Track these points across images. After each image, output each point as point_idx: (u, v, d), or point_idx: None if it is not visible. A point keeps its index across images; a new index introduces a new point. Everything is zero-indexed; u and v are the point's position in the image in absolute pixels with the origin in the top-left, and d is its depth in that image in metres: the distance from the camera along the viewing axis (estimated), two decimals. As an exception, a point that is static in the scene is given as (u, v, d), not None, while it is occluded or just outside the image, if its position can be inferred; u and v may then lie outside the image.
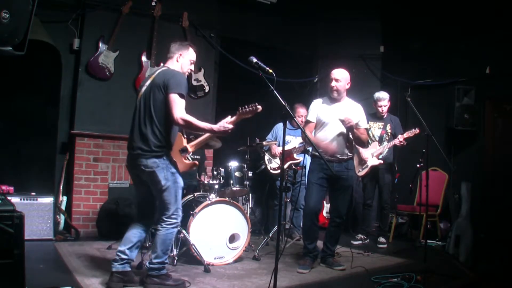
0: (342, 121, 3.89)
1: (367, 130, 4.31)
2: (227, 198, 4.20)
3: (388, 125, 5.31)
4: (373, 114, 5.37)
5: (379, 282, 3.55)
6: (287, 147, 5.28)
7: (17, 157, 4.86)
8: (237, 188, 4.39)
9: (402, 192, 5.88)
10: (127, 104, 4.88)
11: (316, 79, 7.03)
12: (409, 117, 6.11)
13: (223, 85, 6.27)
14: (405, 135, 5.01)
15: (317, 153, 3.72)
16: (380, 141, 5.26)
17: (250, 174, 4.61)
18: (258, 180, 5.62)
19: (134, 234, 3.16)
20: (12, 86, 4.75)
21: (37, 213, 4.45)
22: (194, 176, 4.97)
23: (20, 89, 4.82)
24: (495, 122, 5.96)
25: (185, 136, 3.51)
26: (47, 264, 3.65)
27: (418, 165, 4.40)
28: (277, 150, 5.36)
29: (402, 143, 5.02)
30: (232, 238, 4.11)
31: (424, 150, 4.12)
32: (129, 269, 3.14)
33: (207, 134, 3.43)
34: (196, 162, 3.61)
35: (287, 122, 4.11)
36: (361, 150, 5.12)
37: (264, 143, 5.16)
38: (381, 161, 5.19)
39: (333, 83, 4.00)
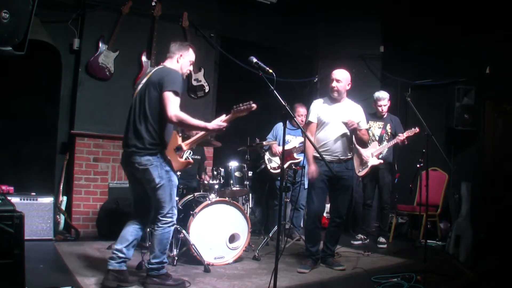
0: (346, 124, 3.90)
1: (367, 130, 4.32)
2: (227, 198, 4.20)
3: (388, 124, 5.31)
4: (373, 114, 5.38)
5: (379, 282, 3.55)
6: (287, 147, 5.29)
7: (17, 157, 4.86)
8: (237, 188, 4.39)
9: (402, 192, 5.88)
10: (127, 104, 4.81)
11: (316, 79, 7.03)
12: (409, 117, 6.10)
13: (223, 85, 6.27)
14: (406, 134, 5.02)
15: (317, 154, 3.72)
16: (380, 140, 5.26)
17: (250, 174, 4.60)
18: (258, 179, 5.62)
19: (131, 232, 3.16)
20: (12, 86, 4.75)
21: (37, 213, 4.45)
22: (194, 176, 4.97)
23: (20, 89, 4.82)
24: (495, 122, 5.96)
25: (180, 134, 3.51)
26: (47, 264, 3.65)
27: (418, 165, 4.40)
28: (278, 149, 5.37)
29: (403, 141, 5.02)
30: (232, 238, 4.11)
31: (424, 150, 4.12)
32: (125, 268, 3.14)
33: (202, 133, 3.42)
34: (191, 160, 3.60)
35: (287, 122, 4.12)
36: (361, 150, 5.12)
37: (264, 143, 5.16)
38: (381, 161, 5.20)
39: (334, 84, 4.00)
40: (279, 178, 5.44)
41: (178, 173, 3.93)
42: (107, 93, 5.20)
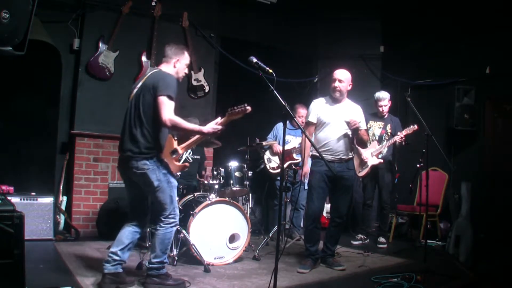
0: (348, 123, 3.90)
1: (366, 130, 4.32)
2: (227, 198, 4.20)
3: (389, 125, 5.31)
4: (374, 114, 5.38)
5: (379, 282, 3.54)
6: (287, 147, 5.29)
7: (17, 157, 4.86)
8: (237, 188, 4.39)
9: (402, 192, 5.88)
10: (127, 104, 4.86)
11: (316, 79, 7.03)
12: (409, 117, 6.10)
13: (223, 85, 6.27)
14: (404, 132, 5.01)
15: (317, 154, 3.72)
16: (380, 140, 5.26)
17: (250, 174, 4.60)
18: (258, 179, 5.62)
19: (127, 235, 3.15)
20: (12, 86, 4.75)
21: (37, 213, 4.45)
22: (194, 176, 4.97)
23: (20, 89, 4.82)
24: (495, 122, 5.96)
25: (175, 138, 3.52)
26: (47, 264, 3.65)
27: (418, 165, 4.40)
28: (279, 148, 5.36)
29: (402, 139, 5.01)
30: (232, 238, 4.11)
31: (424, 150, 4.12)
32: (121, 270, 3.13)
33: (197, 136, 3.42)
34: (187, 164, 3.61)
35: (287, 122, 4.12)
36: (361, 150, 5.12)
37: (264, 143, 5.16)
38: (381, 160, 5.19)
39: (336, 84, 4.00)
40: (278, 178, 5.44)
41: (178, 173, 3.95)
42: (107, 93, 5.20)
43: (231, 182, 4.36)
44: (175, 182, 3.16)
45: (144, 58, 5.38)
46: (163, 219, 3.11)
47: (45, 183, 4.88)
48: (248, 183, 4.51)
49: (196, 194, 4.31)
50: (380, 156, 5.22)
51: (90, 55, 5.10)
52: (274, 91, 2.67)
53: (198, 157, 4.94)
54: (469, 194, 5.01)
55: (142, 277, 3.23)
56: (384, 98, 5.28)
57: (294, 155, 5.33)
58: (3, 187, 4.29)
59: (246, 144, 5.09)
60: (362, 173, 5.25)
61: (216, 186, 4.20)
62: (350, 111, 4.03)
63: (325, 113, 4.03)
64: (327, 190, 4.05)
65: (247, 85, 5.26)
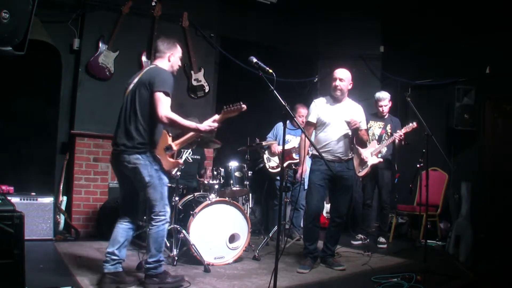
0: (348, 123, 3.90)
1: (367, 130, 4.32)
2: (227, 198, 4.20)
3: (389, 125, 5.31)
4: (374, 114, 5.38)
5: (379, 282, 3.54)
6: (286, 147, 5.28)
7: (17, 157, 4.86)
8: (237, 188, 4.39)
9: (402, 192, 5.88)
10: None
11: (316, 79, 7.03)
12: (409, 117, 6.08)
13: (223, 85, 6.27)
14: (403, 130, 5.01)
15: (317, 154, 3.72)
16: (379, 140, 5.26)
17: (250, 174, 4.60)
18: (257, 179, 5.62)
19: (121, 233, 3.16)
20: (12, 86, 4.75)
21: (37, 213, 4.45)
22: (194, 176, 4.97)
23: (20, 89, 4.82)
24: (495, 122, 5.96)
25: (170, 134, 3.52)
26: (47, 264, 3.65)
27: (418, 165, 4.40)
28: (277, 148, 5.36)
29: (401, 137, 5.01)
30: (232, 238, 4.11)
31: (424, 150, 4.12)
32: (121, 269, 3.14)
33: (192, 133, 3.43)
34: (180, 161, 3.60)
35: (288, 121, 4.12)
36: (361, 150, 5.12)
37: (264, 143, 5.16)
38: (381, 160, 5.20)
39: (337, 83, 4.00)
40: (278, 178, 5.44)
41: (178, 173, 3.95)
42: (107, 93, 5.20)
43: (231, 182, 4.36)
44: (166, 179, 3.16)
45: (144, 58, 5.38)
46: (153, 217, 3.10)
47: (45, 183, 4.88)
48: (248, 183, 4.51)
49: (196, 194, 4.32)
50: (379, 155, 5.22)
51: (90, 55, 5.10)
52: (274, 91, 2.67)
53: (198, 157, 4.94)
54: (469, 194, 5.01)
55: (142, 277, 3.23)
56: (384, 98, 5.28)
57: (294, 155, 5.33)
58: (3, 187, 4.29)
59: (246, 144, 5.10)
60: (362, 173, 5.25)
61: (216, 186, 4.20)
62: (350, 111, 4.03)
63: (326, 113, 4.03)
64: (327, 189, 4.05)
65: (247, 85, 5.26)
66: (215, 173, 4.36)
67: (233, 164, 4.46)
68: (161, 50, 3.26)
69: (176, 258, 3.85)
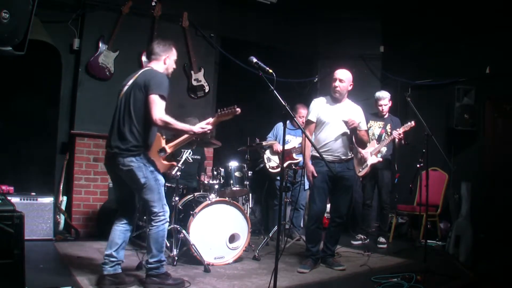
0: (346, 122, 3.90)
1: (367, 130, 4.32)
2: (227, 198, 4.20)
3: (389, 125, 5.31)
4: (374, 114, 5.38)
5: (379, 282, 3.54)
6: (286, 147, 5.28)
7: (17, 157, 4.86)
8: (237, 188, 4.39)
9: (402, 192, 5.88)
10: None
11: (316, 79, 7.03)
12: (409, 117, 6.07)
13: (223, 85, 6.27)
14: (402, 129, 5.01)
15: (317, 154, 3.72)
16: (379, 140, 5.26)
17: (250, 174, 4.60)
18: (257, 179, 5.63)
19: (118, 235, 3.16)
20: (12, 86, 4.75)
21: (37, 213, 4.45)
22: (194, 176, 4.97)
23: (20, 89, 4.82)
24: (495, 122, 5.96)
25: (164, 137, 3.52)
26: (47, 264, 3.65)
27: (418, 165, 4.40)
28: (279, 147, 5.36)
29: (400, 136, 5.02)
30: (232, 238, 4.11)
31: (424, 150, 4.12)
32: (120, 271, 3.14)
33: (186, 135, 3.43)
34: (174, 163, 3.60)
35: (288, 122, 4.12)
36: (360, 149, 5.12)
37: (264, 143, 5.16)
38: (380, 159, 5.20)
39: (337, 83, 4.00)
40: (278, 178, 5.44)
41: (178, 173, 3.96)
42: (107, 93, 5.19)
43: (231, 182, 4.36)
44: (162, 180, 3.15)
45: (144, 58, 5.37)
46: (153, 217, 3.10)
47: (45, 183, 4.88)
48: (248, 183, 4.51)
49: (196, 194, 4.32)
50: (379, 155, 5.22)
51: (90, 55, 5.10)
52: (274, 91, 2.67)
53: (198, 157, 4.94)
54: (469, 194, 5.01)
55: (142, 277, 3.23)
56: (384, 97, 5.29)
57: (294, 155, 5.33)
58: (3, 187, 4.29)
59: (246, 144, 5.10)
60: (362, 173, 5.25)
61: (216, 186, 4.20)
62: (350, 111, 4.03)
63: (325, 113, 4.03)
64: (328, 190, 4.05)
65: (247, 85, 5.27)
66: (215, 173, 4.36)
67: (233, 164, 4.45)
68: (156, 52, 3.24)
69: (176, 258, 3.85)
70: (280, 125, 5.53)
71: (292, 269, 3.94)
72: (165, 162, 3.42)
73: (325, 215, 6.01)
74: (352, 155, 4.14)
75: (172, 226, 3.91)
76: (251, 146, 5.00)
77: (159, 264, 3.13)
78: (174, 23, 5.67)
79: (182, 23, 5.71)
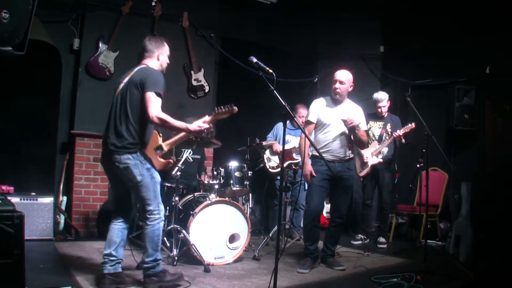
0: (345, 121, 3.90)
1: (367, 131, 4.31)
2: (227, 198, 4.20)
3: (389, 124, 5.31)
4: (373, 114, 5.38)
5: (379, 282, 3.54)
6: (286, 147, 5.28)
7: (17, 157, 4.86)
8: (237, 188, 4.39)
9: (402, 192, 5.88)
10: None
11: (316, 79, 7.03)
12: (409, 117, 6.09)
13: (223, 85, 6.27)
14: (402, 131, 5.01)
15: (317, 154, 3.72)
16: (380, 140, 5.26)
17: (250, 174, 4.60)
18: (257, 178, 5.63)
19: (116, 234, 3.16)
20: (12, 86, 4.75)
21: (37, 213, 4.45)
22: (194, 176, 4.97)
23: (20, 89, 4.82)
24: (495, 122, 5.96)
25: (160, 134, 3.52)
26: (47, 264, 3.65)
27: (418, 165, 4.40)
28: (279, 147, 5.36)
29: (401, 139, 5.02)
30: (232, 238, 4.11)
31: (424, 150, 4.12)
32: (120, 270, 3.14)
33: (183, 133, 3.44)
34: (171, 160, 3.59)
35: (288, 122, 4.11)
36: (362, 150, 5.12)
37: (264, 143, 5.16)
38: (381, 160, 5.20)
39: (337, 85, 4.00)
40: (278, 178, 5.44)
41: (178, 173, 3.96)
42: (107, 93, 5.13)
43: (231, 182, 4.36)
44: (158, 178, 3.15)
45: (144, 58, 5.37)
46: (148, 216, 3.10)
47: (45, 183, 4.88)
48: (248, 183, 4.51)
49: (196, 194, 4.32)
50: (380, 156, 5.22)
51: (90, 55, 5.09)
52: (274, 91, 2.67)
53: (198, 157, 4.94)
54: (469, 194, 5.01)
55: (140, 277, 3.22)
56: (382, 99, 5.28)
57: (294, 155, 5.33)
58: (3, 187, 4.29)
59: (246, 144, 5.10)
60: (362, 173, 5.26)
61: (216, 186, 4.20)
62: (350, 112, 4.03)
63: (326, 114, 4.02)
64: (327, 189, 4.05)
65: (247, 85, 5.27)
66: (215, 173, 4.36)
67: (233, 164, 4.46)
68: (149, 49, 3.25)
69: (176, 258, 3.85)
70: (280, 125, 5.53)
71: (292, 269, 3.94)
72: (162, 160, 3.42)
73: (325, 215, 6.03)
74: (352, 155, 4.13)
75: (172, 226, 3.92)
76: (251, 146, 5.00)
77: (155, 263, 3.12)
78: (174, 23, 5.67)
79: (182, 23, 5.71)
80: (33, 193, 4.52)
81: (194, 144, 4.17)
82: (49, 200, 4.56)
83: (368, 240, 5.40)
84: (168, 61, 3.36)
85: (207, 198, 4.05)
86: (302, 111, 5.32)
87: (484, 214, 5.31)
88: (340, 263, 4.11)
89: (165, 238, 4.10)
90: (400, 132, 5.00)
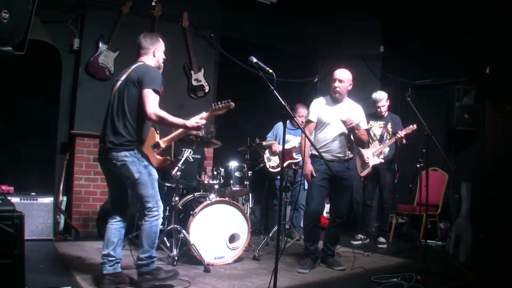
0: (344, 122, 3.90)
1: (367, 130, 4.31)
2: (227, 198, 4.20)
3: (389, 123, 5.31)
4: (374, 114, 5.38)
5: (379, 282, 3.54)
6: (286, 146, 5.28)
7: (17, 157, 4.86)
8: (237, 188, 4.39)
9: (402, 192, 5.88)
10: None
11: (316, 79, 7.03)
12: (409, 117, 6.10)
13: (223, 85, 6.27)
14: (403, 132, 5.02)
15: (317, 154, 3.72)
16: (381, 140, 5.27)
17: (250, 174, 4.60)
18: (257, 179, 5.63)
19: (114, 234, 3.15)
20: (12, 86, 4.75)
21: (37, 213, 4.45)
22: (195, 176, 4.97)
23: (20, 89, 4.82)
24: (495, 122, 5.96)
25: (157, 131, 3.52)
26: (47, 264, 3.65)
27: (418, 165, 4.40)
28: (278, 147, 5.36)
29: (402, 140, 5.03)
30: (232, 238, 4.11)
31: (424, 150, 4.12)
32: (120, 269, 3.14)
33: (180, 130, 3.44)
34: (168, 157, 3.59)
35: (288, 121, 4.11)
36: (362, 150, 5.13)
37: (264, 143, 5.16)
38: (382, 160, 5.20)
39: (337, 84, 4.00)
40: (278, 177, 5.44)
41: (178, 173, 3.96)
42: (107, 93, 5.09)
43: (231, 182, 4.36)
44: (156, 175, 3.15)
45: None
46: (146, 212, 3.09)
47: (45, 183, 4.88)
48: (248, 183, 4.51)
49: (196, 194, 4.32)
50: (381, 156, 5.22)
51: (90, 55, 5.09)
52: (274, 91, 2.67)
53: (198, 156, 4.94)
54: (469, 194, 5.01)
55: (134, 277, 3.21)
56: (381, 99, 5.28)
57: (294, 155, 5.33)
58: (3, 187, 4.29)
59: (246, 144, 5.09)
60: (363, 173, 5.26)
61: (216, 186, 4.20)
62: (350, 111, 4.03)
63: (325, 113, 4.02)
64: (327, 189, 4.05)
65: (247, 85, 5.26)
66: (215, 173, 4.36)
67: (233, 164, 4.45)
68: (145, 46, 3.26)
69: (176, 258, 3.85)
70: (280, 125, 5.53)
71: (292, 269, 3.95)
72: (159, 157, 3.42)
73: (325, 215, 6.03)
74: (352, 155, 4.13)
75: (172, 226, 3.92)
76: (251, 146, 5.00)
77: (150, 260, 3.11)
78: (174, 23, 5.67)
79: (182, 23, 5.70)
80: (33, 193, 4.52)
81: (194, 144, 4.17)
82: (49, 200, 4.56)
83: (368, 240, 5.40)
84: (164, 56, 3.36)
85: (207, 198, 4.05)
86: (301, 110, 5.32)
87: (484, 214, 5.31)
88: (340, 263, 4.11)
89: (165, 238, 4.10)
90: (402, 133, 5.01)
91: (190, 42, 5.75)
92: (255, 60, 2.79)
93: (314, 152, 3.90)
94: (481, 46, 5.86)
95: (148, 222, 3.09)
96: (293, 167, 5.10)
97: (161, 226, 3.63)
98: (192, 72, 5.79)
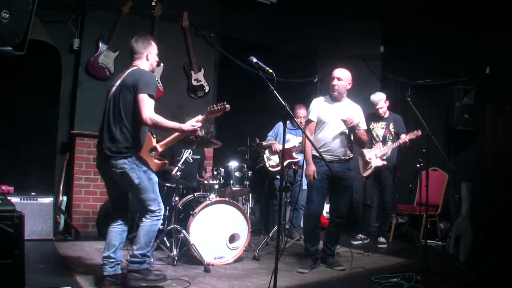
0: (344, 121, 3.90)
1: (366, 131, 4.31)
2: (227, 198, 4.20)
3: (391, 124, 5.31)
4: (374, 115, 5.38)
5: (379, 282, 3.55)
6: (287, 146, 5.28)
7: (17, 157, 4.86)
8: (237, 188, 4.39)
9: (402, 192, 5.88)
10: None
11: (316, 79, 7.03)
12: (409, 117, 6.10)
13: (223, 85, 6.27)
14: (408, 137, 5.02)
15: (317, 154, 3.72)
16: (384, 141, 5.26)
17: (250, 174, 4.60)
18: (257, 178, 5.63)
19: (115, 237, 3.15)
20: (12, 86, 4.75)
21: (37, 213, 4.45)
22: (195, 176, 4.97)
23: (20, 89, 4.82)
24: (495, 122, 5.96)
25: (154, 136, 3.53)
26: (47, 264, 3.65)
27: (418, 165, 4.39)
28: (278, 146, 5.36)
29: (405, 143, 5.03)
30: (232, 238, 4.11)
31: (424, 150, 4.12)
32: (120, 271, 3.13)
33: (177, 134, 3.44)
34: (166, 161, 3.60)
35: (288, 121, 4.11)
36: (365, 151, 5.13)
37: (264, 143, 5.16)
38: (385, 162, 5.20)
39: (335, 82, 4.00)
40: (278, 177, 5.45)
41: (178, 173, 3.95)
42: (107, 93, 5.19)
43: (231, 182, 4.36)
44: (155, 178, 3.15)
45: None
46: (148, 213, 3.11)
47: (45, 183, 4.88)
48: (248, 183, 4.51)
49: (196, 194, 4.32)
50: (384, 157, 5.22)
51: (90, 55, 5.09)
52: (274, 91, 2.67)
53: (198, 157, 4.94)
54: (469, 194, 5.01)
55: (136, 277, 3.19)
56: (378, 101, 5.28)
57: (294, 154, 5.33)
58: (3, 187, 4.29)
59: (246, 144, 5.09)
60: (366, 173, 5.26)
61: (216, 186, 4.20)
62: (349, 111, 4.03)
63: (325, 112, 4.03)
64: (327, 190, 4.05)
65: (247, 85, 5.26)
66: (215, 173, 4.36)
67: (233, 164, 4.45)
68: (137, 51, 3.24)
69: (176, 258, 3.85)
70: (280, 124, 5.53)
71: (292, 269, 3.95)
72: (157, 161, 3.42)
73: (325, 215, 6.03)
74: (352, 155, 4.13)
75: (172, 226, 3.92)
76: (251, 146, 5.00)
77: (143, 258, 3.10)
78: (174, 23, 5.67)
79: (182, 23, 5.70)
80: (33, 193, 4.52)
81: (194, 144, 4.17)
82: (49, 200, 4.56)
83: (368, 240, 5.40)
84: (157, 59, 3.34)
85: (207, 198, 4.05)
86: (300, 111, 5.33)
87: (484, 214, 5.31)
88: (340, 263, 4.11)
89: (165, 238, 4.10)
90: (406, 138, 5.01)
91: (190, 42, 5.75)
92: (255, 60, 2.79)
93: (315, 152, 3.89)
94: (481, 46, 5.86)
95: (149, 220, 3.10)
96: (293, 166, 5.10)
97: (161, 226, 3.65)
98: (192, 72, 5.79)
